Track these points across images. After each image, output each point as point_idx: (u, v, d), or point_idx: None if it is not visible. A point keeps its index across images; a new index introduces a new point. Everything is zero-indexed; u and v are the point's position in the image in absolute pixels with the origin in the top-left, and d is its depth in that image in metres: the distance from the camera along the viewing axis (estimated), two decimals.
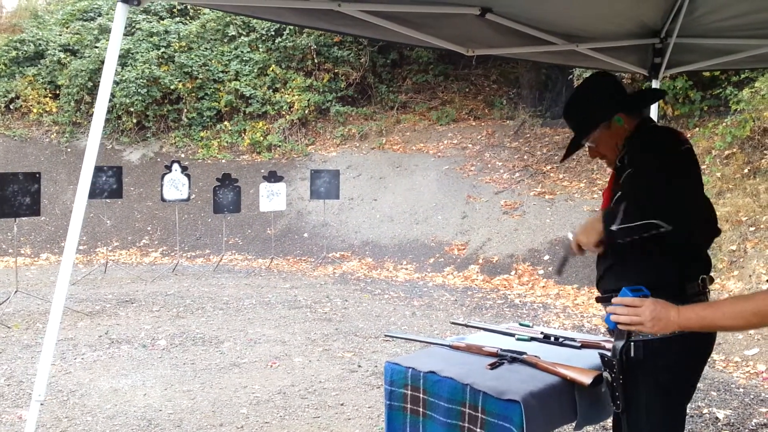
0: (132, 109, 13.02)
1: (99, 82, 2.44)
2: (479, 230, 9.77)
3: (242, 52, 13.78)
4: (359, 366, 5.02)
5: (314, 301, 7.45)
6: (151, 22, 13.94)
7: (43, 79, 13.85)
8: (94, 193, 8.71)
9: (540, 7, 3.08)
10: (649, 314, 1.71)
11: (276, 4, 2.85)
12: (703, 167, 6.05)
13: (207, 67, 13.57)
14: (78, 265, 9.88)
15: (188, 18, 14.64)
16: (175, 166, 9.65)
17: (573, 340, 2.56)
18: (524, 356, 2.33)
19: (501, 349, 2.41)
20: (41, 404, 2.38)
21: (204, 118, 13.51)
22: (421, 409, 2.28)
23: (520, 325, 2.94)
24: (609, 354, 1.97)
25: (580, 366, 2.23)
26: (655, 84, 3.91)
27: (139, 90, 12.89)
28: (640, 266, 1.99)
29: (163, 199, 9.76)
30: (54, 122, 13.41)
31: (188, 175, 9.79)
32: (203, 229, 11.48)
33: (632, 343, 1.95)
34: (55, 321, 2.35)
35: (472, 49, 3.59)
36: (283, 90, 13.49)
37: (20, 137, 13.14)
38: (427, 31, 3.24)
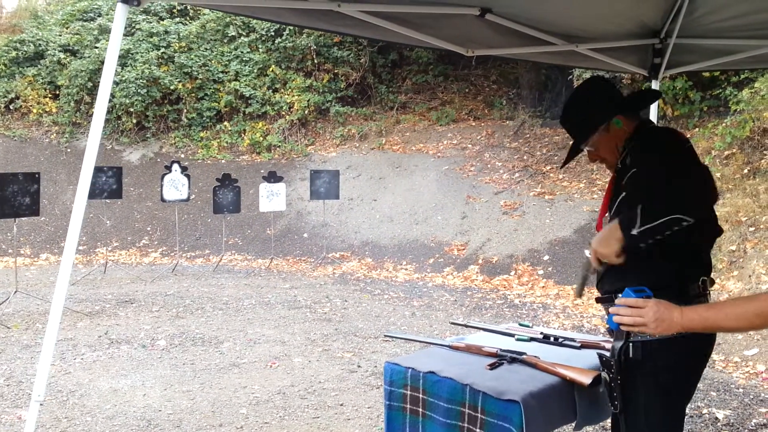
0: (132, 110, 13.02)
1: (99, 82, 2.44)
2: (479, 230, 9.77)
3: (242, 52, 13.78)
4: (359, 366, 5.02)
5: (314, 301, 7.44)
6: (151, 22, 13.94)
7: (42, 79, 13.85)
8: (93, 194, 8.71)
9: (540, 7, 3.07)
10: (652, 315, 1.70)
11: (276, 4, 2.85)
12: None
13: (207, 68, 13.57)
14: (78, 265, 9.87)
15: (188, 18, 14.64)
16: (175, 167, 9.65)
17: (572, 340, 2.57)
18: (524, 356, 2.34)
19: (500, 350, 2.41)
20: (41, 404, 2.37)
21: (204, 119, 13.52)
22: (420, 410, 2.28)
23: (520, 325, 2.95)
24: (608, 354, 1.97)
25: (580, 366, 2.24)
26: (654, 84, 3.91)
27: (138, 90, 12.89)
28: (640, 267, 1.97)
29: (162, 200, 9.77)
30: (54, 122, 13.42)
31: (188, 176, 9.79)
32: (203, 230, 11.48)
33: (631, 344, 1.95)
34: (55, 321, 2.35)
35: (471, 50, 3.59)
36: (282, 90, 13.49)
37: (20, 137, 13.14)
38: (427, 32, 3.24)
